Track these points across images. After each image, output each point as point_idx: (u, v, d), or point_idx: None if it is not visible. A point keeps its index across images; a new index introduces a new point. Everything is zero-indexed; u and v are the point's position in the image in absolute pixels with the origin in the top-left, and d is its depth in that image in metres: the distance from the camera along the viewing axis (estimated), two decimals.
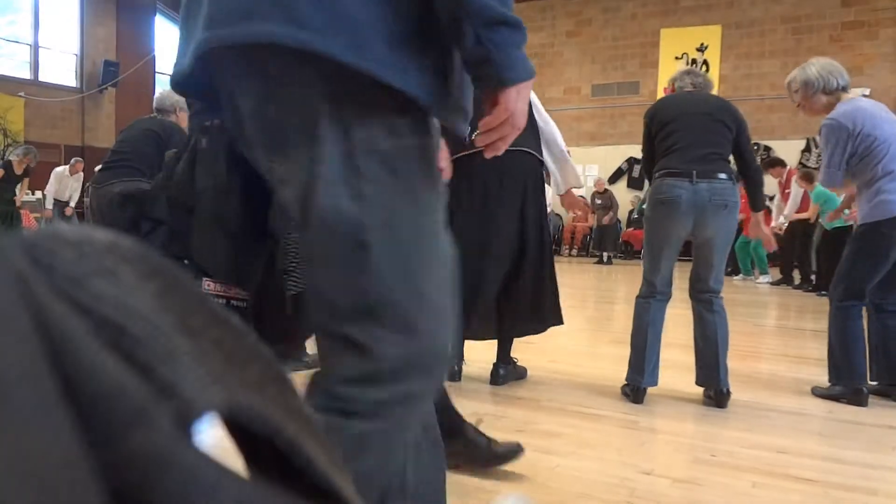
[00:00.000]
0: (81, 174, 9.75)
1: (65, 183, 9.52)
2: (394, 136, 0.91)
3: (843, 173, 2.90)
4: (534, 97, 2.64)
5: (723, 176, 2.69)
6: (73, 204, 9.69)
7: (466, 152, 2.82)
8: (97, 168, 3.76)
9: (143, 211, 1.21)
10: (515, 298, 2.89)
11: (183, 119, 3.68)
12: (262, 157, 0.97)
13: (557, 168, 3.05)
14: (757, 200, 2.89)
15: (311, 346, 3.16)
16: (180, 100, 3.63)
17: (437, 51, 0.92)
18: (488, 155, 0.99)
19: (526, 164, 2.83)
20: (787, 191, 7.72)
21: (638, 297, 2.87)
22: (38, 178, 10.13)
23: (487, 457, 1.86)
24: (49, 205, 9.47)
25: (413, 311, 0.93)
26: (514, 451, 1.88)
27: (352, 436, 0.90)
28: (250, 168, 1.11)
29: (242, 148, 1.06)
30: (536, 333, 3.04)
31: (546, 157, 2.97)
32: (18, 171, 8.68)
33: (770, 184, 9.28)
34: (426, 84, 0.90)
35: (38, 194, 10.40)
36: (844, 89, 2.93)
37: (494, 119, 0.93)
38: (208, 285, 1.20)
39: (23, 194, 9.12)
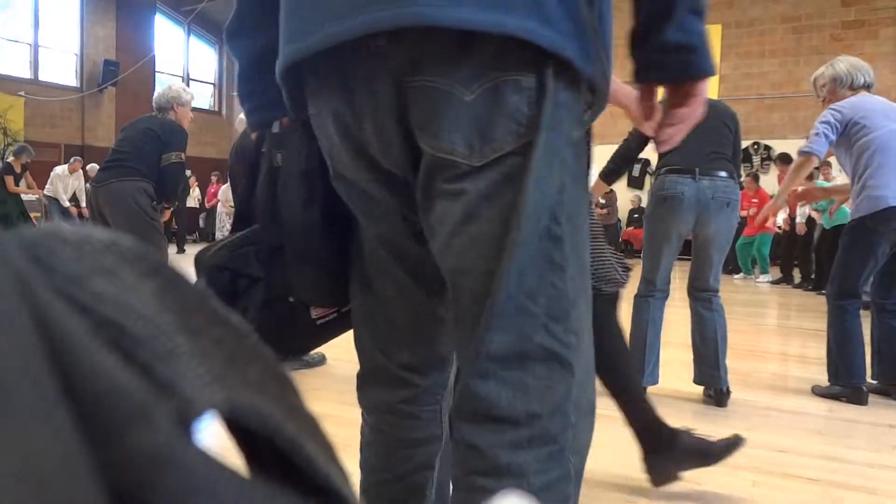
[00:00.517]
0: (81, 172, 9.76)
1: (65, 182, 9.54)
2: (579, 127, 0.88)
3: (826, 143, 2.88)
4: None
5: (724, 174, 2.70)
6: (84, 204, 9.71)
7: None
8: (88, 167, 3.77)
9: (237, 272, 1.13)
10: None
11: (182, 115, 3.68)
12: (447, 151, 0.84)
13: None
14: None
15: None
16: (177, 96, 3.63)
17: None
18: (665, 148, 0.99)
19: None
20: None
21: (636, 295, 2.88)
22: (39, 177, 10.14)
23: (713, 455, 1.85)
24: (46, 201, 9.51)
25: (584, 311, 0.87)
26: (735, 443, 1.86)
27: (574, 473, 0.83)
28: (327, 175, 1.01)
29: (345, 140, 0.92)
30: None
31: None
32: (17, 169, 8.73)
33: (771, 182, 9.30)
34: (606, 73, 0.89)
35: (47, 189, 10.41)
36: (868, 87, 2.95)
37: (692, 111, 0.93)
38: (316, 311, 1.17)
39: (29, 189, 9.16)
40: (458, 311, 0.88)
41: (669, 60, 0.91)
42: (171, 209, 3.86)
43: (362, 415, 1.18)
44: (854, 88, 2.94)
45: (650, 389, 2.82)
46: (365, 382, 1.16)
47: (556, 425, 0.81)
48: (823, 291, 6.71)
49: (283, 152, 1.07)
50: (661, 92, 0.99)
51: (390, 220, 0.99)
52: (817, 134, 2.89)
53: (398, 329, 1.09)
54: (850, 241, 2.90)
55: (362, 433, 1.18)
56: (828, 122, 2.87)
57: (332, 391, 2.79)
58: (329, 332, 1.21)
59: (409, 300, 1.05)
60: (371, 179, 0.94)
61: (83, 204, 9.72)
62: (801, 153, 2.97)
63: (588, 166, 0.93)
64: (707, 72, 0.91)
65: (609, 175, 2.91)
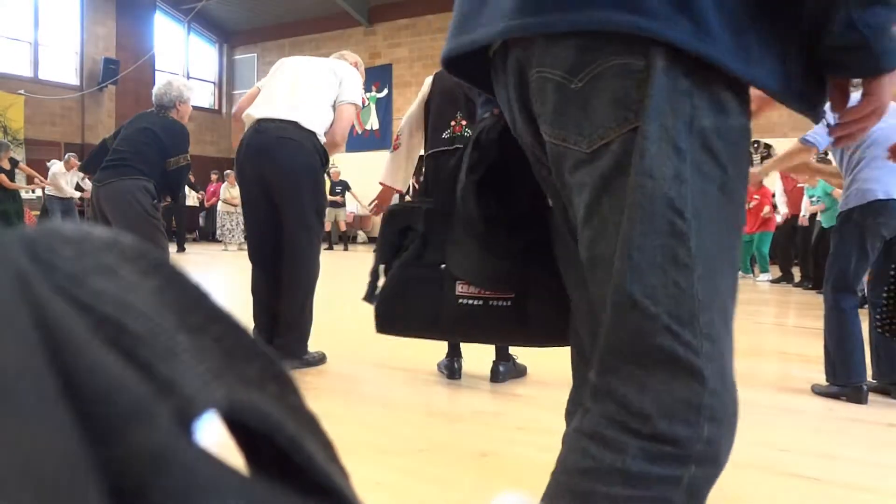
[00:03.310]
0: (77, 170, 9.76)
1: (63, 179, 9.53)
2: (719, 114, 0.82)
3: (828, 137, 2.89)
4: None
5: None
6: (77, 196, 9.72)
7: (441, 148, 2.83)
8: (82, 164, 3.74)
9: (407, 222, 1.27)
10: None
11: (185, 112, 3.66)
12: (561, 138, 0.88)
13: None
14: None
15: (312, 346, 3.16)
16: (181, 95, 3.62)
17: (782, 34, 0.83)
18: (840, 145, 0.93)
19: None
20: (798, 185, 7.73)
21: None
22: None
23: None
24: (68, 191, 9.55)
25: (719, 316, 0.83)
26: None
27: (689, 482, 0.79)
28: (513, 158, 1.08)
29: (517, 133, 1.02)
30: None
31: None
32: (6, 166, 8.66)
33: (770, 181, 9.28)
34: (770, 70, 0.82)
35: (39, 192, 10.43)
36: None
37: (862, 110, 0.86)
38: (461, 288, 1.23)
39: (31, 186, 9.14)
40: (589, 302, 0.90)
41: (841, 59, 0.83)
42: (167, 205, 3.85)
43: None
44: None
45: None
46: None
47: (674, 429, 0.78)
48: (822, 290, 6.73)
49: (481, 131, 1.20)
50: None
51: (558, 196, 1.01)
52: (822, 127, 2.90)
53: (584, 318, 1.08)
54: (840, 234, 2.93)
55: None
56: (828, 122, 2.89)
57: (332, 391, 2.79)
58: (469, 321, 1.24)
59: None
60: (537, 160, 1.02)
61: (76, 199, 9.71)
62: (802, 140, 2.95)
63: (742, 161, 0.86)
64: (883, 69, 0.83)
65: None
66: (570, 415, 1.14)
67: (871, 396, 2.84)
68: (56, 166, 9.62)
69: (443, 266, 1.21)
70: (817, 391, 2.96)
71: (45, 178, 9.51)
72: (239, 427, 0.22)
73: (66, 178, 9.55)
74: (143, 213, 3.37)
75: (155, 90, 3.66)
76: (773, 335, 4.65)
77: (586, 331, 1.08)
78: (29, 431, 0.15)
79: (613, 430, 0.79)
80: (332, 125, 3.09)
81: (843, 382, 2.84)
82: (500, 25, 0.90)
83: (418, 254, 1.26)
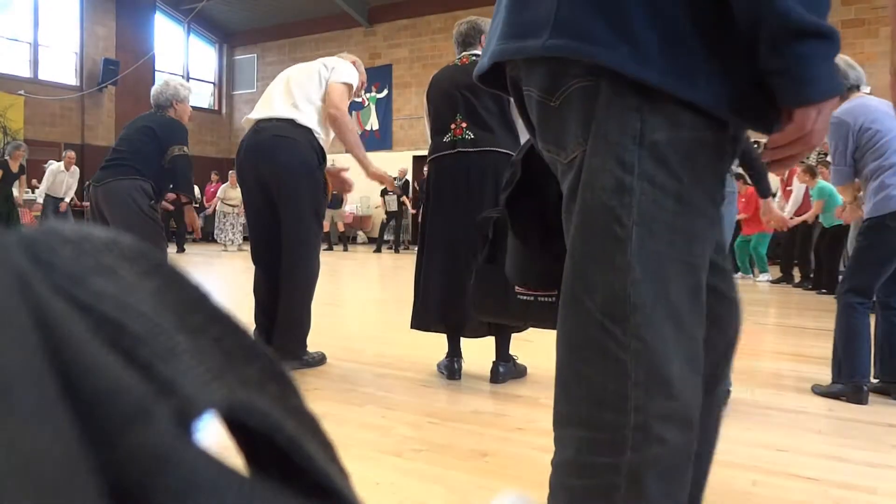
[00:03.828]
0: (76, 168, 9.71)
1: (60, 179, 9.49)
2: (672, 128, 0.85)
3: (850, 169, 2.90)
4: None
5: None
6: (67, 199, 9.64)
7: (443, 152, 2.83)
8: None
9: (485, 230, 1.59)
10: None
11: (182, 111, 3.66)
12: (543, 149, 1.01)
13: None
14: (762, 187, 2.93)
15: (312, 346, 3.16)
16: (176, 93, 3.62)
17: (731, 57, 0.84)
18: (774, 171, 0.99)
19: (499, 163, 2.78)
20: (788, 188, 7.72)
21: None
22: (38, 177, 10.12)
23: None
24: (40, 199, 9.42)
25: (658, 320, 0.85)
26: None
27: (629, 467, 0.84)
28: (539, 171, 1.19)
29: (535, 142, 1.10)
30: (518, 331, 2.94)
31: None
32: (14, 168, 8.66)
33: (770, 182, 9.30)
34: (716, 90, 0.83)
35: (38, 192, 10.38)
36: (856, 88, 2.93)
37: (783, 137, 0.85)
38: (517, 288, 1.51)
39: (22, 192, 9.09)
40: None
41: (771, 84, 0.83)
42: (190, 203, 3.84)
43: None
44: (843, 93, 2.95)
45: None
46: None
47: (602, 415, 0.85)
48: (823, 291, 6.71)
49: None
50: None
51: None
52: (835, 164, 2.96)
53: None
54: (869, 240, 2.86)
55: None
56: (836, 144, 2.92)
57: (332, 391, 2.79)
58: (528, 313, 1.57)
59: None
60: None
61: (66, 199, 9.63)
62: (837, 185, 3.09)
63: (702, 171, 0.88)
64: (802, 99, 0.81)
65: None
66: None
67: (871, 396, 2.84)
68: (54, 166, 9.59)
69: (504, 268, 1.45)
70: (818, 391, 2.95)
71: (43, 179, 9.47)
72: (239, 427, 0.22)
73: (58, 179, 9.49)
74: (140, 213, 3.37)
75: (152, 90, 3.67)
76: (773, 335, 4.66)
77: None
78: (29, 432, 0.15)
79: (561, 423, 0.90)
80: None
81: (846, 380, 2.83)
82: (487, 53, 1.04)
83: (490, 257, 1.57)
